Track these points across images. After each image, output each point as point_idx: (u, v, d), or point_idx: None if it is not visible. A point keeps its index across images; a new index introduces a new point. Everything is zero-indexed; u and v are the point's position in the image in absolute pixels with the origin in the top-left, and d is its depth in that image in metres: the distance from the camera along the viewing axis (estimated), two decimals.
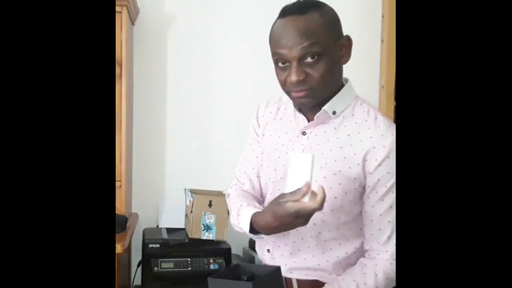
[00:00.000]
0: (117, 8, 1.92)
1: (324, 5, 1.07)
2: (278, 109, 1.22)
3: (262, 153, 1.21)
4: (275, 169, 1.16)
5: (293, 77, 1.02)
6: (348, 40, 1.09)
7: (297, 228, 1.03)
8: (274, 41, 1.06)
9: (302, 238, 1.12)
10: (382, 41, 2.48)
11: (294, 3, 1.07)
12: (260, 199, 1.25)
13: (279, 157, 1.16)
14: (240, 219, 1.12)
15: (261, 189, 1.24)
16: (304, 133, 1.13)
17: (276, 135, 1.19)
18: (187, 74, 2.37)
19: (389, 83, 2.48)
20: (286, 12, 1.05)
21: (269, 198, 1.18)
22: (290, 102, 1.17)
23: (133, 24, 2.25)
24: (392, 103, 2.48)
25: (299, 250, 1.12)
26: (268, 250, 1.18)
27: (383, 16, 2.49)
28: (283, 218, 0.97)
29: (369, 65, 2.49)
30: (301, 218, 0.96)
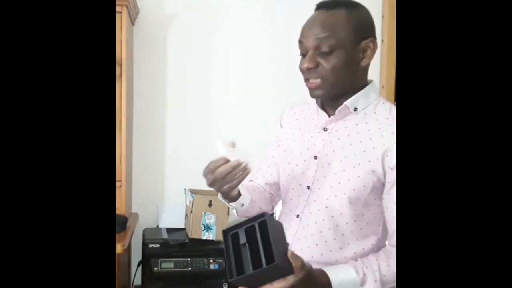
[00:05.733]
0: (117, 8, 1.92)
1: (357, 6, 1.12)
2: (302, 110, 1.26)
3: (285, 151, 1.24)
4: (297, 165, 1.19)
5: (305, 64, 1.08)
6: (373, 42, 1.12)
7: (315, 221, 1.12)
8: (301, 31, 1.12)
9: (320, 232, 1.13)
10: (382, 41, 2.48)
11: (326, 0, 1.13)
12: (270, 194, 1.31)
13: (300, 153, 1.19)
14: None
15: (277, 187, 1.30)
16: (325, 129, 1.16)
17: (299, 134, 1.22)
18: (187, 74, 2.37)
19: (389, 83, 2.49)
20: (317, 7, 1.12)
21: (290, 194, 1.21)
22: (314, 102, 1.21)
23: (133, 24, 2.25)
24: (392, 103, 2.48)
25: (316, 244, 1.13)
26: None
27: (383, 16, 2.50)
28: None
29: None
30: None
